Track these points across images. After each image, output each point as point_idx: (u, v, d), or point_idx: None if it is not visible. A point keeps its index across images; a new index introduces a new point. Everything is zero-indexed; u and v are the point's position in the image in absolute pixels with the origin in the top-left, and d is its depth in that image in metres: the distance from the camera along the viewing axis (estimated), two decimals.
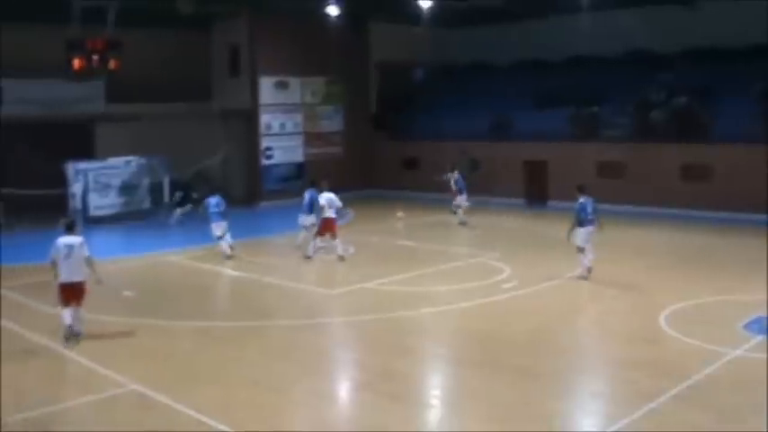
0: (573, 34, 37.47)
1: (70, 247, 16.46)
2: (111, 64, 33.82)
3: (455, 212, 31.47)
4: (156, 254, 26.91)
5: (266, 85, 40.00)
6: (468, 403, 12.87)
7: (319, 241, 25.00)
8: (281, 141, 40.72)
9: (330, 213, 24.66)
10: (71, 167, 33.95)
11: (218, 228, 25.42)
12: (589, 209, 21.46)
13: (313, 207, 25.34)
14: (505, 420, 11.95)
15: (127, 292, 20.84)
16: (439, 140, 40.24)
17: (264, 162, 40.11)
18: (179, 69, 37.83)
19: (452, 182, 31.40)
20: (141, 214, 35.12)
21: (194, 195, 33.07)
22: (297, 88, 41.14)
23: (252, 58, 39.71)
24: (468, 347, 15.96)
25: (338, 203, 24.84)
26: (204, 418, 12.09)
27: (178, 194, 34.31)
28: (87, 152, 36.75)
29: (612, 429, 11.57)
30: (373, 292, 20.68)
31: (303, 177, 37.14)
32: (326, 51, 40.67)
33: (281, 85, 40.52)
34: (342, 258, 24.54)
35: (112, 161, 35.45)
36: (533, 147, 37.07)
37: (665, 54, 36.03)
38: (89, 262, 16.70)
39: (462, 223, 30.94)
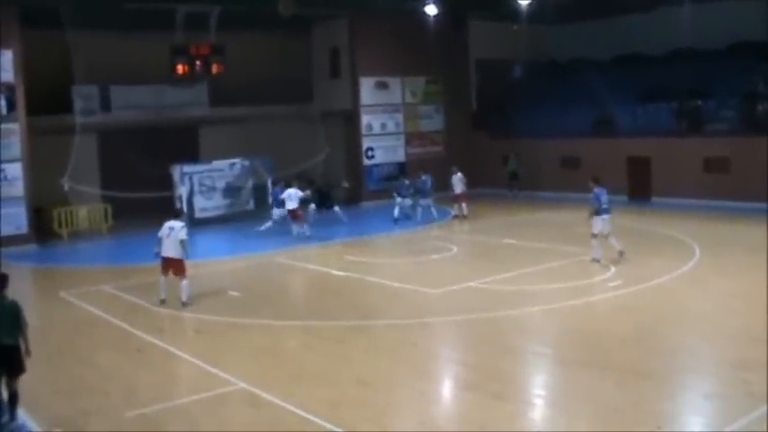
0: (674, 27, 36.47)
1: (172, 228, 19.74)
2: (214, 68, 34.57)
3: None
4: (261, 254, 27.13)
5: (367, 86, 40.28)
6: (575, 403, 12.60)
7: (296, 227, 29.68)
8: (382, 141, 40.96)
9: (292, 205, 29.30)
10: (177, 170, 34.50)
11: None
12: (604, 198, 22.57)
13: (281, 202, 30.14)
14: (612, 421, 11.69)
15: (233, 292, 21.25)
16: (539, 138, 40.05)
17: (366, 162, 40.38)
18: (280, 72, 38.33)
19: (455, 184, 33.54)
20: (246, 215, 35.38)
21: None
22: (397, 88, 41.34)
23: (352, 59, 40.05)
24: (573, 347, 15.62)
25: (299, 195, 29.28)
26: (312, 418, 12.09)
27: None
28: (192, 155, 37.66)
29: None
30: (477, 291, 20.48)
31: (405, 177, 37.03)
32: (426, 51, 40.61)
33: (382, 86, 40.72)
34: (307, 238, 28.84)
35: (217, 164, 35.91)
36: (636, 143, 36.37)
37: None
38: (183, 244, 19.63)
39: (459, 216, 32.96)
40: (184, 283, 19.82)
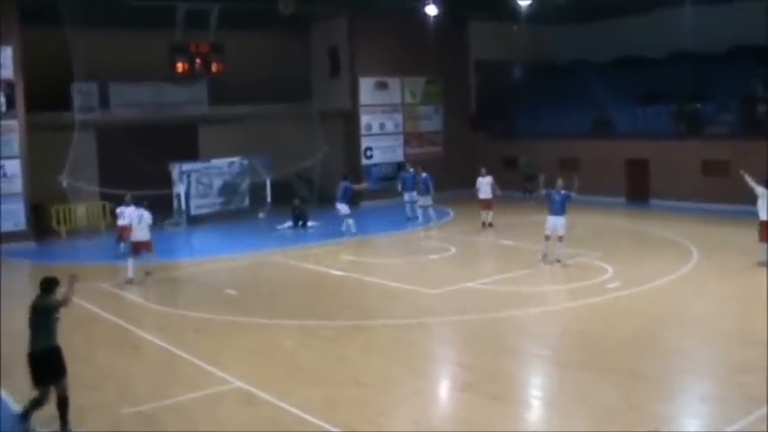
0: (674, 29, 36.15)
1: (141, 215, 22.88)
2: (214, 67, 34.58)
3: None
4: (258, 253, 27.22)
5: (366, 86, 40.25)
6: (573, 405, 12.56)
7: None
8: (381, 141, 40.96)
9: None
10: (176, 168, 34.53)
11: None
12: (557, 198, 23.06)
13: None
14: (610, 423, 11.64)
15: (231, 291, 21.26)
16: (538, 140, 40.01)
17: (365, 162, 40.35)
18: (279, 71, 38.21)
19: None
20: (242, 213, 35.64)
21: (296, 203, 33.30)
22: (396, 88, 41.31)
23: (351, 58, 40.02)
24: (572, 348, 15.66)
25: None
26: (309, 417, 12.07)
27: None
28: (191, 153, 37.72)
29: None
30: (476, 291, 20.49)
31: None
32: (425, 51, 40.30)
33: (381, 86, 40.69)
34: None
35: (216, 162, 36.05)
36: (635, 145, 36.37)
37: None
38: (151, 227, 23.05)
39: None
40: (151, 256, 23.15)
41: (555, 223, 22.99)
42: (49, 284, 11.84)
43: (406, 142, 41.77)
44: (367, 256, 26.83)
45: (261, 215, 34.19)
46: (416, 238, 30.08)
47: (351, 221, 29.56)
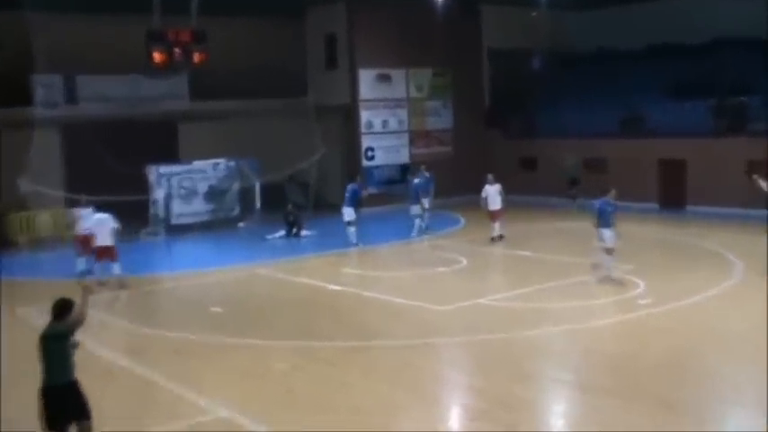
0: (713, 12, 36.67)
1: (101, 220, 24.08)
2: (196, 57, 33.84)
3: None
4: (246, 266, 27.23)
5: (366, 79, 40.37)
6: None
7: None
8: (384, 141, 41.17)
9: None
10: (153, 171, 34.53)
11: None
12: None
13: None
14: None
15: (216, 308, 21.24)
16: (560, 138, 40.04)
17: (365, 163, 40.41)
18: (270, 62, 38.26)
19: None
20: (230, 222, 35.81)
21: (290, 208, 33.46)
22: (401, 81, 41.49)
23: (350, 48, 40.12)
24: (597, 372, 15.58)
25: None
26: None
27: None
28: (170, 155, 37.53)
29: None
30: (489, 308, 20.45)
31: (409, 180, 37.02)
32: (433, 40, 40.41)
33: (383, 79, 40.85)
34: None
35: (199, 164, 36.15)
36: (669, 144, 36.31)
37: None
38: (116, 231, 24.03)
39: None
40: (116, 266, 24.08)
41: (609, 235, 22.77)
42: (62, 309, 11.37)
43: (411, 141, 41.91)
44: (368, 268, 26.92)
45: (241, 224, 34.56)
46: (423, 248, 30.16)
47: (352, 230, 29.61)
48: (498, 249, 29.11)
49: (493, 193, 30.08)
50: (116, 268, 24.08)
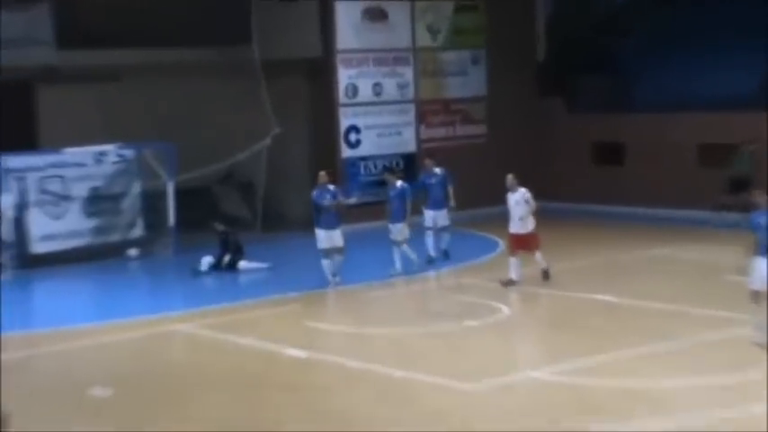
0: None
1: None
2: None
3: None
4: (154, 318, 26.11)
5: (348, 15, 37.42)
6: None
7: None
8: (376, 117, 38.28)
9: None
10: None
11: None
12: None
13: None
14: None
15: (99, 390, 19.85)
16: (661, 112, 38.08)
17: (346, 152, 37.57)
18: None
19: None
20: (126, 247, 34.17)
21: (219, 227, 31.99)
22: (403, 20, 38.49)
23: None
24: None
25: None
26: None
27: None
28: (25, 137, 35.71)
29: None
30: (547, 387, 19.04)
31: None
32: None
33: (375, 15, 37.83)
34: None
35: (73, 153, 34.03)
36: None
37: None
38: None
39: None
40: None
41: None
42: None
43: (420, 118, 38.99)
44: (349, 321, 25.92)
45: (132, 252, 33.52)
46: (440, 287, 29.59)
47: (333, 261, 28.35)
48: (561, 291, 27.12)
49: (513, 206, 27.43)
50: None
